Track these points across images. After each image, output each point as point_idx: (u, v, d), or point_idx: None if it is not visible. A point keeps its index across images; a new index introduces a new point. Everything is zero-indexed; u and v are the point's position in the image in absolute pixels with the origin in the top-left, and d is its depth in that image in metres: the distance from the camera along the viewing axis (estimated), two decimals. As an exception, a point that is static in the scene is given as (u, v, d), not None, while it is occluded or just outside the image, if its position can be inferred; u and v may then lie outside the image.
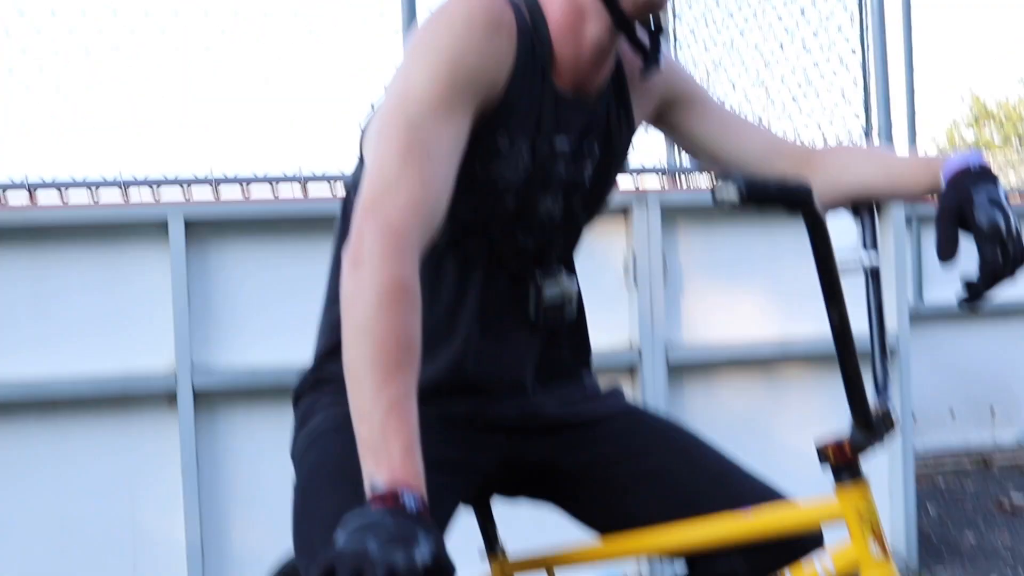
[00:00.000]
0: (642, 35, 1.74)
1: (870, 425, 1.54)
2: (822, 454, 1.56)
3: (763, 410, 3.94)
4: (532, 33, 1.65)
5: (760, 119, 4.90)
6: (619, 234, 3.74)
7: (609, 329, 3.75)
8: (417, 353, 1.40)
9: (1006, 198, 1.61)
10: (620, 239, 3.74)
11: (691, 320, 3.84)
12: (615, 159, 1.82)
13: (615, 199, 3.63)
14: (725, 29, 4.97)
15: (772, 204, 1.24)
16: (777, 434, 3.90)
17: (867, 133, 4.13)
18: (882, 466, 3.96)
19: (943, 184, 1.66)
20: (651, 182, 3.97)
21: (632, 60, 1.79)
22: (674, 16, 5.32)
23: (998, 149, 21.64)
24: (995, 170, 1.66)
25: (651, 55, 1.75)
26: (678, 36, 5.34)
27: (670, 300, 3.78)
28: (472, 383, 1.73)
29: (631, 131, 1.84)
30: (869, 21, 4.10)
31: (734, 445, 3.71)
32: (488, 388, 1.74)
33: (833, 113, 4.39)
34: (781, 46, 4.73)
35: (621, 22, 1.65)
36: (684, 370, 3.83)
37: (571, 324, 1.84)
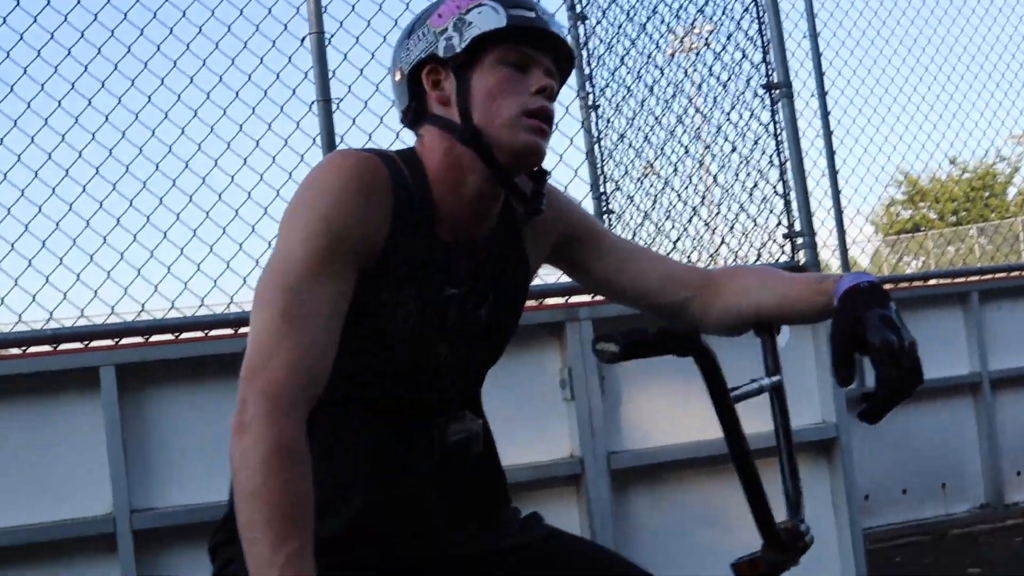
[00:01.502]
0: (524, 182, 1.78)
1: (781, 545, 1.56)
2: (738, 573, 1.57)
3: (710, 509, 3.95)
4: (411, 189, 1.69)
5: (685, 231, 5.00)
6: (554, 350, 3.78)
7: (550, 442, 3.76)
8: (309, 508, 1.43)
9: (897, 315, 1.63)
10: (555, 354, 3.78)
11: (631, 427, 3.86)
12: (510, 300, 1.86)
13: (547, 316, 3.71)
14: (647, 146, 5.10)
15: (657, 353, 1.28)
16: (725, 531, 3.90)
17: (790, 237, 4.22)
18: (832, 550, 3.98)
19: (836, 305, 1.70)
20: (582, 296, 4.02)
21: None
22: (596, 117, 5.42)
23: (932, 225, 22.07)
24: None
25: (531, 203, 1.78)
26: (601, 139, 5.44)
27: (609, 409, 3.81)
28: (381, 530, 1.74)
29: (526, 273, 1.88)
30: (783, 129, 4.24)
31: (683, 544, 3.77)
32: (398, 534, 1.76)
33: (757, 223, 4.49)
34: (701, 162, 4.86)
35: (499, 173, 1.70)
36: (628, 476, 3.84)
37: (481, 461, 1.86)
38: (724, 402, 1.42)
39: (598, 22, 5.23)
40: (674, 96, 4.98)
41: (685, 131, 5.01)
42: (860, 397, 1.64)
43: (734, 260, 4.69)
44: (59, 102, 3.87)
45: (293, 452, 1.43)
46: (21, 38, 3.87)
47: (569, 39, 1.81)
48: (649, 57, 5.03)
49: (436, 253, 1.71)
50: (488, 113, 1.67)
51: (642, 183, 5.18)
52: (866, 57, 7.36)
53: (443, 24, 1.70)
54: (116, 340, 3.67)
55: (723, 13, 4.48)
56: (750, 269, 1.99)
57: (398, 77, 1.77)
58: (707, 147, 4.67)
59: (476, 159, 1.69)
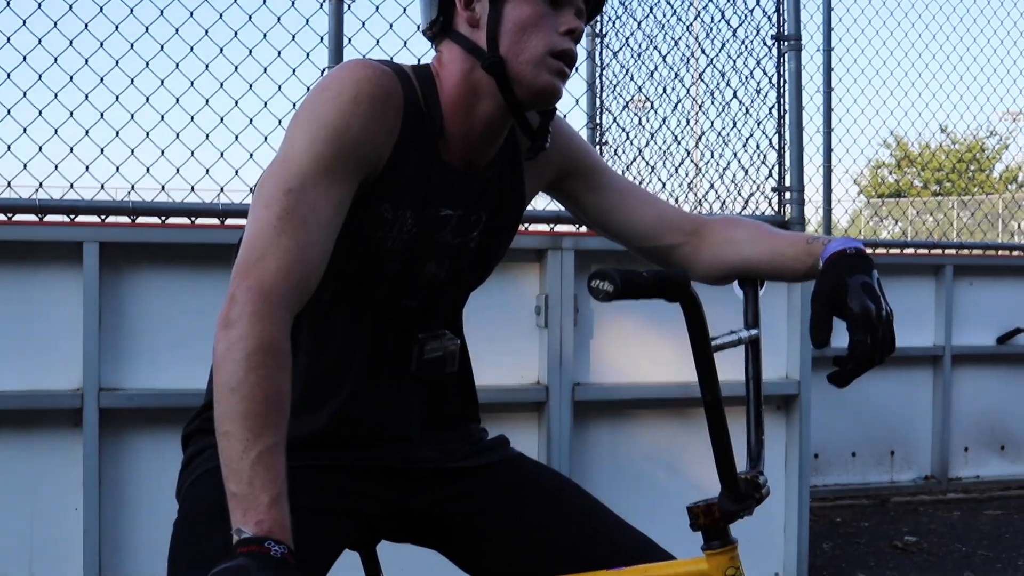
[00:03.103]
0: (533, 117, 1.80)
1: (738, 494, 1.61)
2: (693, 517, 1.62)
3: (667, 450, 4.03)
4: (422, 107, 1.70)
5: (676, 172, 5.02)
6: (533, 276, 3.81)
7: (519, 367, 3.82)
8: (286, 410, 1.45)
9: (879, 284, 1.67)
10: (534, 281, 3.81)
11: (599, 361, 3.92)
12: (503, 227, 1.88)
13: (531, 241, 3.74)
14: (650, 85, 5.09)
15: (649, 296, 1.31)
16: (680, 475, 3.99)
17: (778, 191, 4.24)
18: (779, 503, 4.07)
19: (821, 268, 1.74)
20: (566, 226, 4.05)
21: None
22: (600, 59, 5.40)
23: (917, 193, 22.15)
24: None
25: (537, 139, 1.80)
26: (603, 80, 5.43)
27: (580, 341, 3.86)
28: (356, 432, 1.78)
29: (522, 201, 1.90)
30: (786, 82, 4.24)
31: (637, 484, 3.85)
32: (372, 437, 1.80)
33: (748, 173, 4.51)
34: (701, 106, 4.86)
35: (513, 106, 1.71)
36: (590, 409, 3.91)
37: (455, 378, 1.90)
38: (704, 351, 1.45)
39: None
40: (681, 37, 4.97)
41: (689, 72, 5.01)
42: (831, 360, 1.67)
43: (721, 207, 4.72)
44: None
45: (276, 351, 1.45)
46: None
47: None
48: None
49: (438, 173, 1.72)
50: (516, 45, 1.67)
51: (640, 119, 5.18)
52: (875, 17, 7.34)
53: None
54: (102, 217, 3.68)
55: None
56: (742, 221, 2.00)
57: None
58: (710, 91, 4.67)
59: (493, 87, 1.70)
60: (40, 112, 3.74)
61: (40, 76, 3.76)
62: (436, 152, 1.72)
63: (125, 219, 3.63)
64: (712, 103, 4.75)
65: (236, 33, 4.00)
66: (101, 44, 3.85)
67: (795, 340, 4.11)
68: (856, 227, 15.53)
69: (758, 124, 4.38)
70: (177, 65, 3.94)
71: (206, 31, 3.98)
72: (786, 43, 4.24)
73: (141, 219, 3.66)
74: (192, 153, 3.88)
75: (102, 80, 3.86)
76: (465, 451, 1.91)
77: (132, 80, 3.89)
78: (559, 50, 1.69)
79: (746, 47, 4.50)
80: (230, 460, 1.40)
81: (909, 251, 6.75)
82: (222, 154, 3.98)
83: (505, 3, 1.68)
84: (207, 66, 3.97)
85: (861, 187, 23.98)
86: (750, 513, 1.64)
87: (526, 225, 3.99)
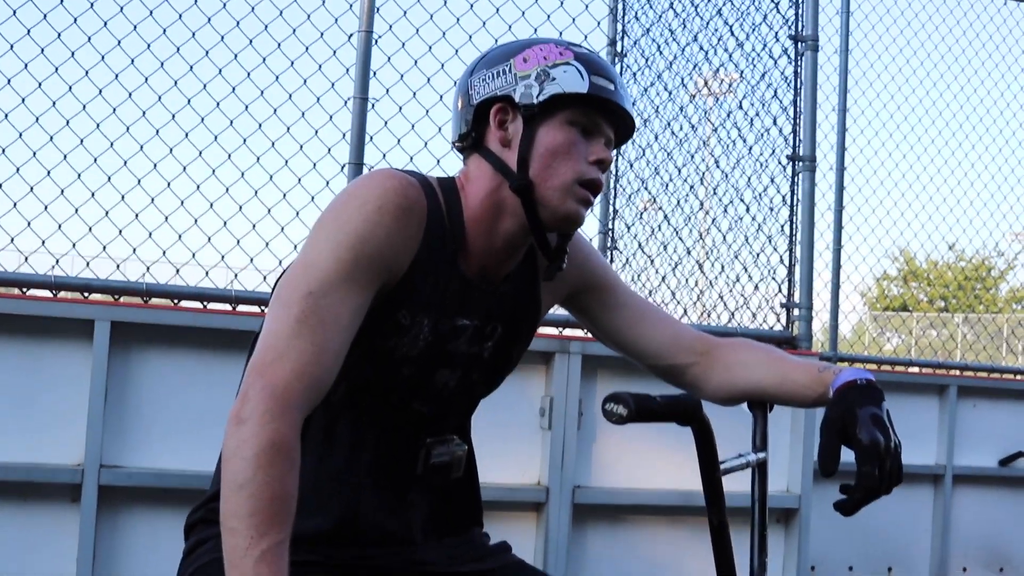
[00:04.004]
0: (551, 238, 1.83)
1: (743, 616, 1.61)
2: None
3: (665, 556, 4.01)
4: (444, 220, 1.74)
5: (686, 283, 5.06)
6: (539, 378, 3.84)
7: (520, 466, 3.82)
8: (291, 509, 1.47)
9: (888, 416, 1.70)
10: (540, 382, 3.84)
11: (600, 465, 3.92)
12: (517, 339, 1.91)
13: (539, 344, 3.76)
14: (664, 196, 5.15)
15: (661, 420, 1.34)
16: (676, 582, 3.97)
17: (787, 307, 4.28)
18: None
19: (831, 396, 1.76)
20: (574, 330, 4.08)
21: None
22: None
23: (924, 308, 22.18)
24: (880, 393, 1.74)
25: (555, 260, 1.84)
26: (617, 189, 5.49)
27: (582, 445, 3.86)
28: (361, 533, 1.80)
29: (537, 315, 1.94)
30: (800, 201, 4.31)
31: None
32: (377, 538, 1.81)
33: (758, 287, 4.55)
34: (714, 220, 4.92)
35: (536, 227, 1.75)
36: (589, 512, 3.90)
37: (460, 483, 1.92)
38: (712, 475, 1.48)
39: (638, 68, 5.29)
40: (698, 150, 5.05)
41: (703, 185, 5.07)
42: (839, 488, 1.69)
43: (729, 319, 4.74)
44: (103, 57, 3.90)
45: (286, 451, 1.47)
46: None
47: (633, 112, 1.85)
48: (681, 109, 5.09)
49: (456, 284, 1.75)
50: (545, 171, 1.71)
51: (652, 229, 5.24)
52: (890, 140, 7.44)
53: (527, 70, 1.73)
54: (116, 297, 3.71)
55: (761, 78, 4.54)
56: (753, 345, 2.02)
57: (461, 104, 1.80)
58: (723, 206, 4.73)
59: (518, 207, 1.74)
60: (63, 191, 3.79)
61: (65, 157, 3.82)
62: (455, 264, 1.75)
63: (138, 299, 3.66)
64: (725, 216, 4.81)
65: (260, 125, 4.07)
66: (127, 129, 3.91)
67: (797, 454, 4.12)
68: (861, 342, 15.56)
69: (769, 240, 4.43)
70: (200, 153, 4.00)
71: (231, 122, 4.05)
72: (801, 163, 4.32)
73: (153, 300, 3.69)
74: (209, 239, 3.92)
75: (125, 164, 3.92)
76: (467, 555, 1.91)
77: (155, 165, 3.95)
78: (587, 179, 1.73)
79: (761, 164, 4.57)
80: (234, 556, 1.41)
81: (914, 370, 6.76)
82: (238, 241, 4.03)
83: (539, 127, 1.72)
84: (229, 156, 4.03)
85: (867, 300, 24.05)
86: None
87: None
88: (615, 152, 5.51)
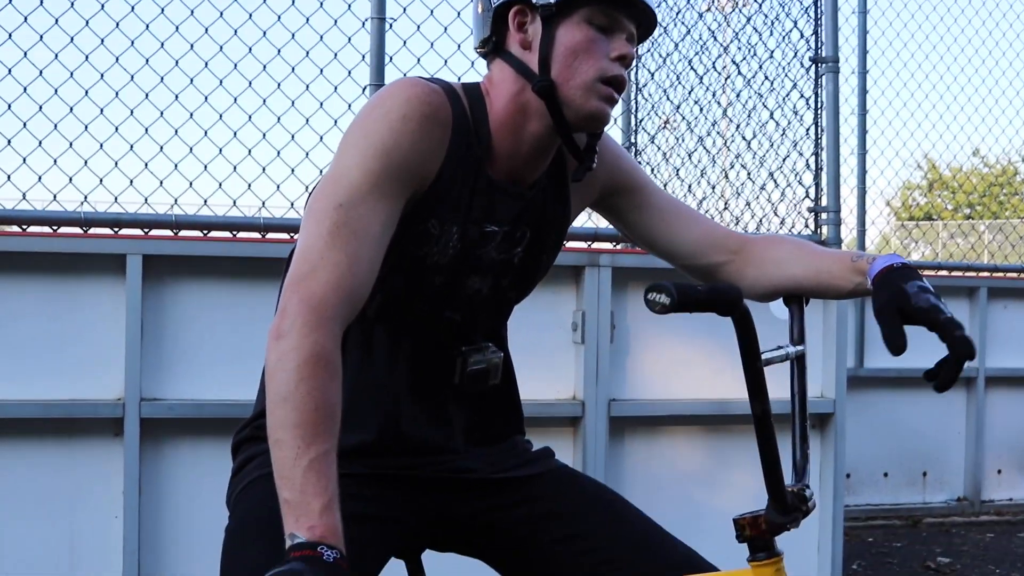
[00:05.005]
0: (580, 137, 1.82)
1: (786, 507, 1.62)
2: (739, 529, 1.63)
3: (702, 467, 4.04)
4: (470, 125, 1.74)
5: (713, 191, 5.04)
6: (570, 292, 3.84)
7: (555, 382, 3.84)
8: (336, 419, 1.48)
9: (931, 287, 1.69)
10: (571, 297, 3.84)
11: (635, 377, 3.94)
12: (548, 244, 1.91)
13: (568, 258, 3.76)
14: (686, 106, 5.12)
15: (704, 310, 1.34)
16: (715, 491, 3.99)
17: (814, 211, 4.26)
18: (812, 521, 4.06)
19: (870, 285, 1.75)
20: (604, 243, 4.08)
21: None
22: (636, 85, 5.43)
23: (949, 215, 22.02)
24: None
25: (584, 160, 1.83)
26: (639, 98, 5.45)
27: (616, 358, 3.87)
28: (403, 443, 1.82)
29: (566, 219, 1.93)
30: (824, 103, 4.26)
31: (672, 499, 3.86)
32: (419, 448, 1.83)
33: (784, 193, 4.53)
34: (738, 127, 4.88)
35: (562, 128, 1.74)
36: (626, 424, 3.92)
37: (499, 391, 1.93)
38: (754, 365, 1.47)
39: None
40: (719, 56, 5.00)
41: (725, 92, 5.03)
42: (923, 375, 1.66)
43: (757, 227, 4.73)
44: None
45: (327, 362, 1.48)
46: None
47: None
48: (700, 16, 5.03)
49: (484, 190, 1.75)
50: (567, 70, 1.70)
51: (676, 139, 5.21)
52: (911, 40, 7.35)
53: None
54: (146, 230, 3.73)
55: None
56: (786, 239, 2.01)
57: (481, 8, 1.79)
58: (747, 112, 4.69)
59: (543, 109, 1.73)
60: (86, 127, 3.80)
61: (87, 92, 3.82)
62: (483, 169, 1.75)
63: (168, 232, 3.68)
64: (748, 124, 4.78)
65: (279, 51, 4.05)
66: (147, 61, 3.91)
67: (830, 359, 4.11)
68: (888, 249, 15.48)
69: (794, 145, 4.40)
70: (221, 82, 3.99)
71: (249, 49, 4.03)
72: (824, 65, 4.26)
73: (184, 232, 3.71)
74: (235, 168, 3.93)
75: (147, 96, 3.92)
76: (510, 462, 1.93)
77: (176, 96, 3.95)
78: (609, 76, 1.71)
79: (783, 68, 4.52)
80: (282, 467, 1.43)
81: (943, 273, 6.75)
82: (264, 169, 4.03)
83: (558, 27, 1.70)
84: (250, 83, 4.02)
85: (893, 209, 23.88)
86: (796, 526, 1.65)
87: (564, 242, 4.01)
88: (636, 60, 5.52)
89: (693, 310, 1.32)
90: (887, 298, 1.68)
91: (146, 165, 3.83)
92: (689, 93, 5.01)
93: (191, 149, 3.92)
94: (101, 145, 3.81)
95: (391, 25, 3.89)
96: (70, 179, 3.79)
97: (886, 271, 1.72)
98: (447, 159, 1.70)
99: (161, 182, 3.83)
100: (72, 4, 3.79)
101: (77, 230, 3.66)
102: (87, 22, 3.87)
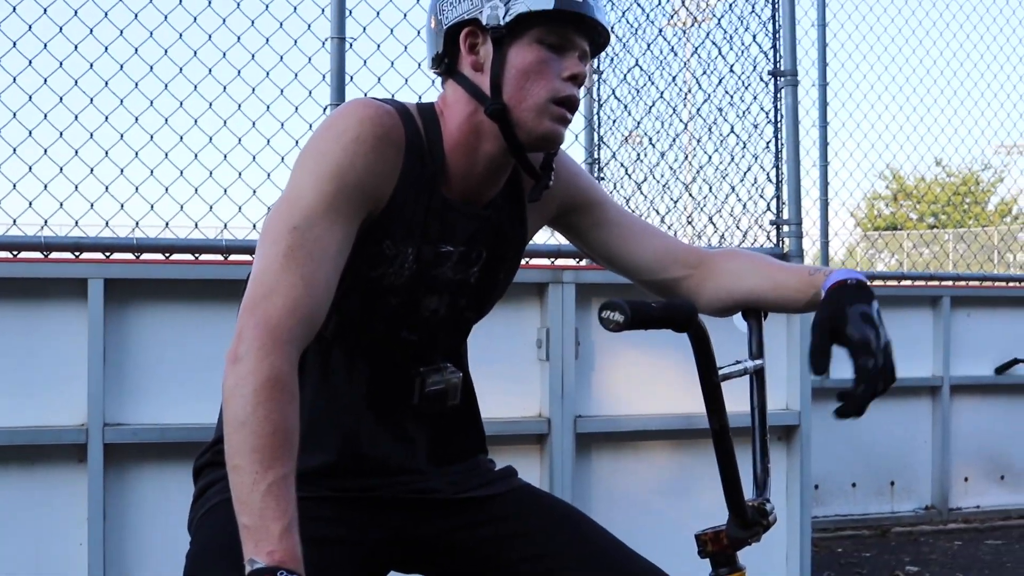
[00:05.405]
0: (536, 157, 1.82)
1: (746, 522, 1.63)
2: (701, 544, 1.64)
3: (670, 482, 4.05)
4: (424, 146, 1.73)
5: (675, 206, 5.06)
6: (534, 309, 3.85)
7: (521, 399, 3.84)
8: (294, 442, 1.48)
9: (878, 314, 1.68)
10: (535, 314, 3.85)
11: (601, 394, 3.94)
12: (504, 263, 1.91)
13: (532, 275, 3.77)
14: (648, 121, 5.14)
15: (658, 326, 1.34)
16: (682, 506, 4.00)
17: (776, 224, 4.29)
18: (780, 533, 4.08)
19: (822, 298, 1.76)
20: (567, 259, 4.08)
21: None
22: (597, 90, 5.45)
23: (913, 226, 22.23)
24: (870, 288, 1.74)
25: (540, 179, 1.83)
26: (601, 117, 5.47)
27: (581, 374, 3.88)
28: (364, 464, 1.81)
29: (523, 238, 1.93)
30: (783, 117, 4.30)
31: (639, 515, 3.87)
32: (380, 468, 1.83)
33: (747, 207, 4.56)
34: (699, 141, 4.91)
35: (516, 149, 1.74)
36: (592, 441, 3.93)
37: (458, 410, 1.92)
38: (711, 380, 1.49)
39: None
40: (680, 71, 5.02)
41: (687, 107, 5.06)
42: (836, 394, 1.66)
43: (720, 240, 4.75)
44: (76, 12, 3.87)
45: (284, 385, 1.48)
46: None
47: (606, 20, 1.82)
48: (660, 31, 5.06)
49: (438, 210, 1.75)
50: (519, 92, 1.70)
51: (638, 154, 5.23)
52: (871, 53, 7.43)
53: None
54: (107, 254, 3.70)
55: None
56: (743, 253, 2.02)
57: (434, 25, 1.78)
58: (707, 127, 4.72)
59: (496, 130, 1.73)
60: (45, 151, 3.77)
61: (46, 115, 3.81)
62: (437, 189, 1.75)
63: (129, 256, 3.66)
64: (710, 138, 4.81)
65: (239, 72, 4.05)
66: (106, 83, 3.89)
67: (795, 371, 4.14)
68: (853, 260, 15.62)
69: (755, 158, 4.43)
70: (181, 104, 3.98)
71: (209, 70, 4.03)
72: (783, 79, 4.30)
73: (145, 256, 3.69)
74: (196, 190, 3.92)
75: (107, 119, 3.90)
76: (473, 482, 1.93)
77: (136, 119, 3.93)
78: (561, 96, 1.71)
79: (743, 83, 4.55)
80: (241, 492, 1.42)
81: (907, 283, 6.80)
82: (225, 191, 4.02)
83: (509, 48, 1.70)
84: (210, 104, 4.02)
85: (858, 220, 24.07)
86: (757, 540, 1.66)
87: (527, 259, 4.02)
88: (597, 77, 5.55)
89: (647, 327, 1.33)
90: (827, 315, 1.68)
91: (107, 188, 3.81)
92: (650, 108, 5.03)
93: (152, 172, 3.91)
94: (61, 169, 3.79)
95: (351, 45, 3.90)
96: (30, 203, 3.77)
97: (838, 286, 1.73)
98: (401, 179, 1.70)
99: (122, 205, 3.81)
100: (30, 27, 3.78)
101: (38, 255, 3.63)
102: (45, 45, 3.86)
